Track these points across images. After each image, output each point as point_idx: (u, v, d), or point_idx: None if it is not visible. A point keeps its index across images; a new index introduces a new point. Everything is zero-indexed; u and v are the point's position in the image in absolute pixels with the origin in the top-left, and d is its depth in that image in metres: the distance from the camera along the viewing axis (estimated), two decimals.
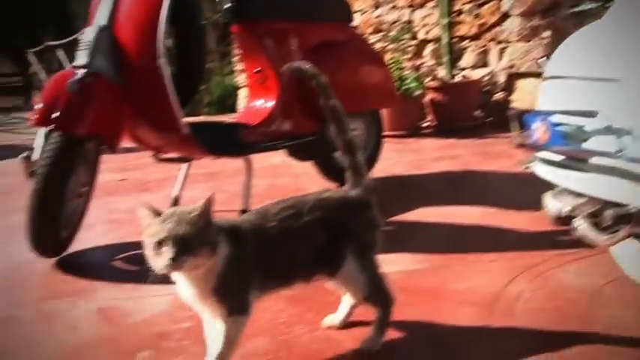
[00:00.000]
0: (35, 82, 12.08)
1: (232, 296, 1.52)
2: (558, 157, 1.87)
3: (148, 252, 1.43)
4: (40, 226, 2.43)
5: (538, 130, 1.81)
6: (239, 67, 8.05)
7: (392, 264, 2.37)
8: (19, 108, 12.36)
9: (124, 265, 2.63)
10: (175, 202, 3.25)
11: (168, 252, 1.38)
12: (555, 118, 1.76)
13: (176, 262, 1.38)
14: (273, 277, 1.63)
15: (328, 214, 1.68)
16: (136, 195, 3.88)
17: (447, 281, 2.23)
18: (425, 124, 6.21)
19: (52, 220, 2.45)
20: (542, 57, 2.68)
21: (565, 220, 1.92)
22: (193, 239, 1.40)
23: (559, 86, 1.96)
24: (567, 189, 1.87)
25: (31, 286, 2.46)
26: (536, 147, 1.90)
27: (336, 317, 1.88)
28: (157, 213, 1.44)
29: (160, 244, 1.39)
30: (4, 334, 2.01)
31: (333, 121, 1.79)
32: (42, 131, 2.56)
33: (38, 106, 2.47)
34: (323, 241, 1.66)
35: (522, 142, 2.01)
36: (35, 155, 2.52)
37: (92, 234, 2.99)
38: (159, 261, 1.40)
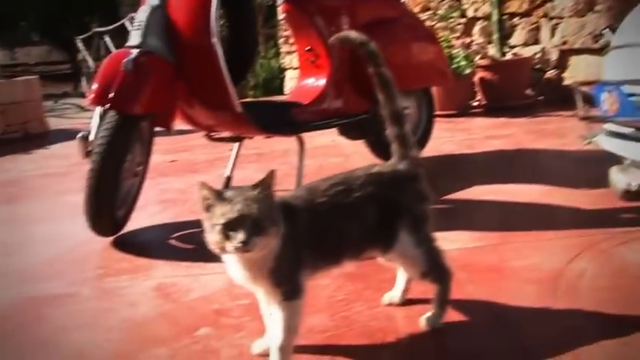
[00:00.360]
0: (83, 69, 12.27)
1: (287, 278, 1.47)
2: (627, 129, 1.80)
3: (213, 234, 1.37)
4: (98, 204, 2.46)
5: (607, 101, 1.74)
6: (285, 49, 8.03)
7: (449, 242, 2.33)
8: (68, 95, 12.58)
9: (179, 243, 2.65)
10: (228, 181, 3.26)
11: (238, 234, 1.32)
12: (626, 89, 1.69)
13: (247, 244, 1.33)
14: (325, 256, 1.58)
15: (379, 188, 1.63)
16: (187, 176, 3.91)
17: (506, 259, 2.18)
18: (474, 104, 6.10)
19: (109, 199, 2.48)
20: (605, 28, 2.58)
21: (633, 194, 1.85)
22: (263, 219, 1.35)
23: (629, 55, 1.88)
24: (637, 162, 1.80)
25: (89, 264, 2.49)
26: (605, 119, 1.83)
27: (394, 294, 1.85)
28: (219, 193, 1.39)
29: (228, 225, 1.34)
30: (67, 311, 2.05)
31: (381, 89, 1.72)
32: (98, 111, 2.59)
33: (94, 86, 2.49)
34: (374, 216, 1.61)
35: (587, 115, 1.93)
36: (92, 135, 2.54)
37: (146, 213, 3.02)
38: (227, 243, 1.34)
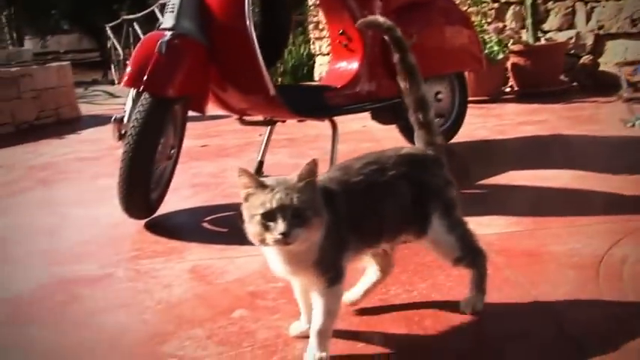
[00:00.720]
0: (113, 57, 12.37)
1: (331, 266, 1.43)
2: None
3: (252, 225, 1.32)
4: (131, 187, 2.46)
5: None
6: (314, 35, 7.99)
7: (485, 226, 2.31)
8: (97, 82, 12.71)
9: (212, 226, 2.64)
10: (260, 166, 3.25)
11: (279, 225, 1.27)
12: None
13: (288, 236, 1.27)
14: (365, 237, 1.54)
15: (411, 169, 1.60)
16: (218, 160, 3.91)
17: (544, 244, 2.14)
18: (507, 90, 6.01)
19: (143, 181, 2.48)
20: None
21: None
22: (305, 209, 1.29)
23: None
24: None
25: (123, 246, 2.50)
26: None
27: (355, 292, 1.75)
28: (259, 181, 1.33)
29: (267, 215, 1.29)
30: (102, 292, 2.06)
31: (405, 76, 1.67)
32: (131, 94, 2.59)
33: (128, 68, 2.49)
34: (409, 196, 1.57)
35: (631, 97, 1.88)
36: (126, 118, 2.55)
37: (178, 197, 3.03)
38: (267, 234, 1.29)
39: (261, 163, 3.27)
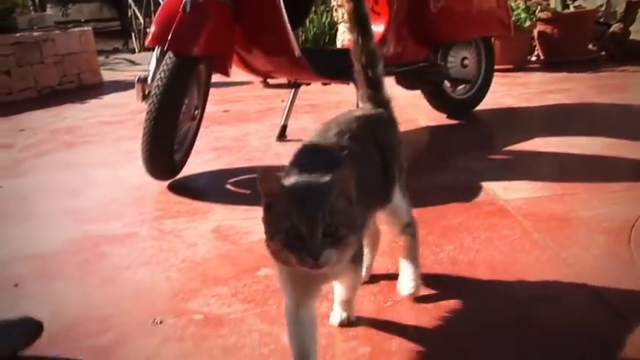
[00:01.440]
0: (134, 25, 12.33)
1: (356, 253, 1.26)
2: None
3: (274, 242, 1.08)
4: (155, 147, 2.45)
5: None
6: (337, 2, 7.89)
7: (512, 191, 2.28)
8: (118, 50, 12.67)
9: (235, 188, 2.63)
10: (283, 130, 3.23)
11: (307, 245, 1.04)
12: None
13: (318, 260, 1.04)
14: (368, 209, 1.39)
15: (375, 132, 1.47)
16: (240, 125, 3.88)
17: (574, 209, 2.10)
18: (533, 58, 5.90)
19: (167, 141, 2.46)
20: None
21: None
22: (340, 226, 1.06)
23: None
24: None
25: (147, 206, 2.50)
26: None
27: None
28: (284, 187, 1.10)
29: (293, 232, 1.05)
30: (127, 250, 2.06)
31: (356, 27, 1.58)
32: (155, 53, 2.56)
33: (153, 27, 2.47)
34: (379, 162, 1.44)
35: None
36: (150, 78, 2.53)
37: (201, 160, 3.02)
38: (291, 256, 1.06)
39: (284, 127, 3.25)
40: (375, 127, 1.49)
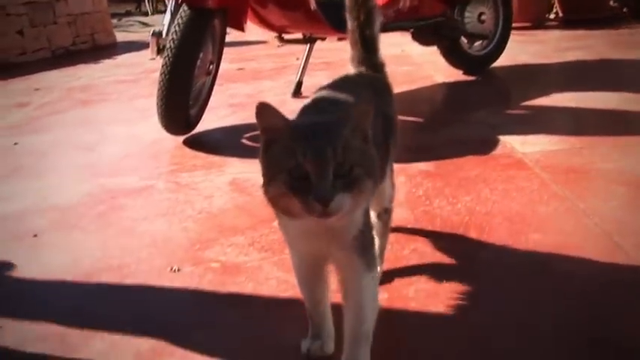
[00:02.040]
0: None
1: (370, 242, 1.08)
2: None
3: (274, 186, 0.89)
4: (171, 101, 2.44)
5: None
6: None
7: (530, 144, 2.26)
8: (131, 14, 12.60)
9: (250, 142, 2.63)
10: (299, 85, 3.21)
11: (316, 187, 0.85)
12: None
13: (328, 206, 0.85)
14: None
15: (377, 100, 1.27)
16: (254, 82, 3.86)
17: (592, 161, 2.07)
18: (551, 17, 5.80)
19: (182, 95, 2.45)
20: None
21: None
22: (354, 166, 0.88)
23: None
24: None
25: (163, 160, 2.50)
26: None
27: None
28: (286, 120, 0.92)
29: (298, 171, 0.87)
30: (144, 202, 2.07)
31: None
32: (170, 7, 2.54)
33: None
34: (382, 132, 1.23)
35: None
36: (164, 32, 2.51)
37: (216, 116, 3.02)
38: (295, 202, 0.87)
39: (299, 83, 3.23)
40: (378, 95, 1.32)
